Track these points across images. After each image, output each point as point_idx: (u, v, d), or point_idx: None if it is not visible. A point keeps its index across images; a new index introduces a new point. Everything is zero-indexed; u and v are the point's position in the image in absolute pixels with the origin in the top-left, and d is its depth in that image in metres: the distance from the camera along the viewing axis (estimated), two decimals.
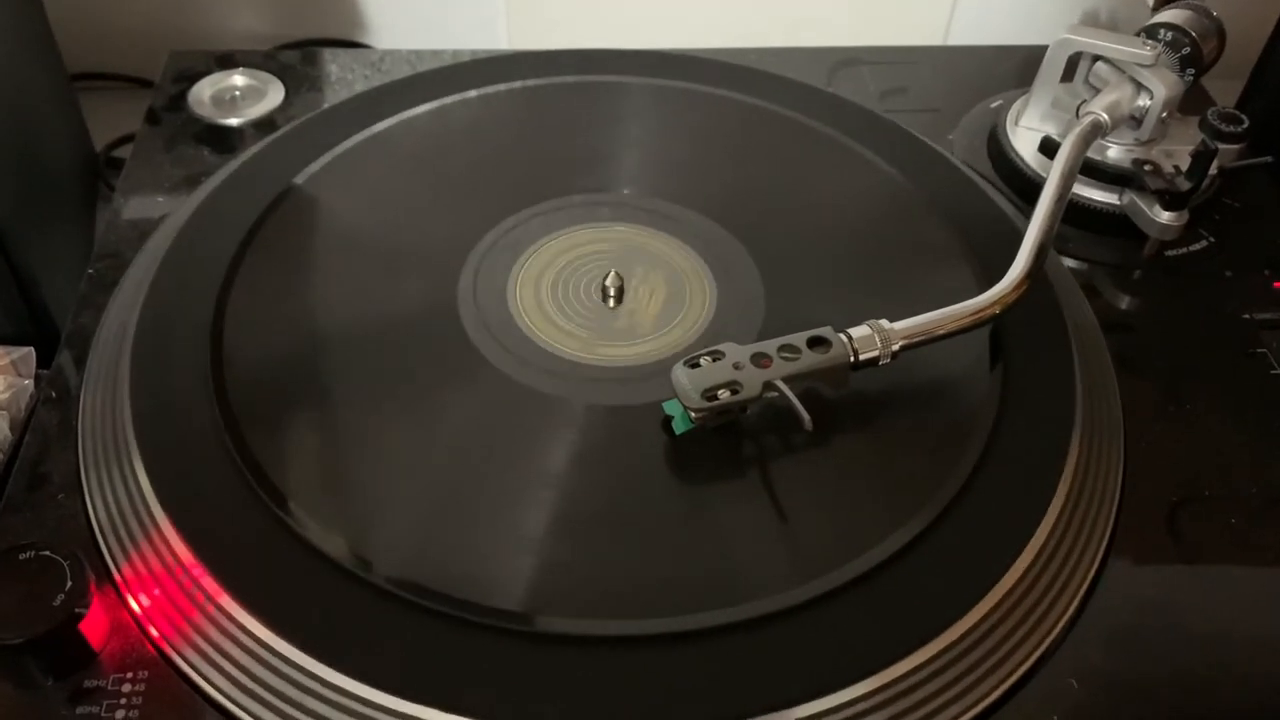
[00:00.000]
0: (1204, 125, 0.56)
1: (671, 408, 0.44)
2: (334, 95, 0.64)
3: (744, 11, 0.77)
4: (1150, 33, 0.57)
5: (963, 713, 0.38)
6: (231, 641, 0.38)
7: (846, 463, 0.44)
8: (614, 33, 0.78)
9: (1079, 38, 0.57)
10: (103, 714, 0.37)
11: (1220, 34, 0.57)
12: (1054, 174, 0.50)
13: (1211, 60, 0.58)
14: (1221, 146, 0.54)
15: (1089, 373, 0.48)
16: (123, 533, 0.41)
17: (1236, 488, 0.46)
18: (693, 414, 0.42)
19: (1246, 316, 0.53)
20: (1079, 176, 0.54)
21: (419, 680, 0.37)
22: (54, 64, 0.66)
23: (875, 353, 0.44)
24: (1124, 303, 0.54)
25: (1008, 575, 0.40)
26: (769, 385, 0.42)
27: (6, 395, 0.48)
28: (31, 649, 0.37)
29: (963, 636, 0.39)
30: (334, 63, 0.67)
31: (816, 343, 0.44)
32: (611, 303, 0.50)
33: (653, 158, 0.59)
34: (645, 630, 0.38)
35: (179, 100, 0.63)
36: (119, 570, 0.41)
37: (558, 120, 0.60)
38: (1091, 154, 0.55)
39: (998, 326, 0.48)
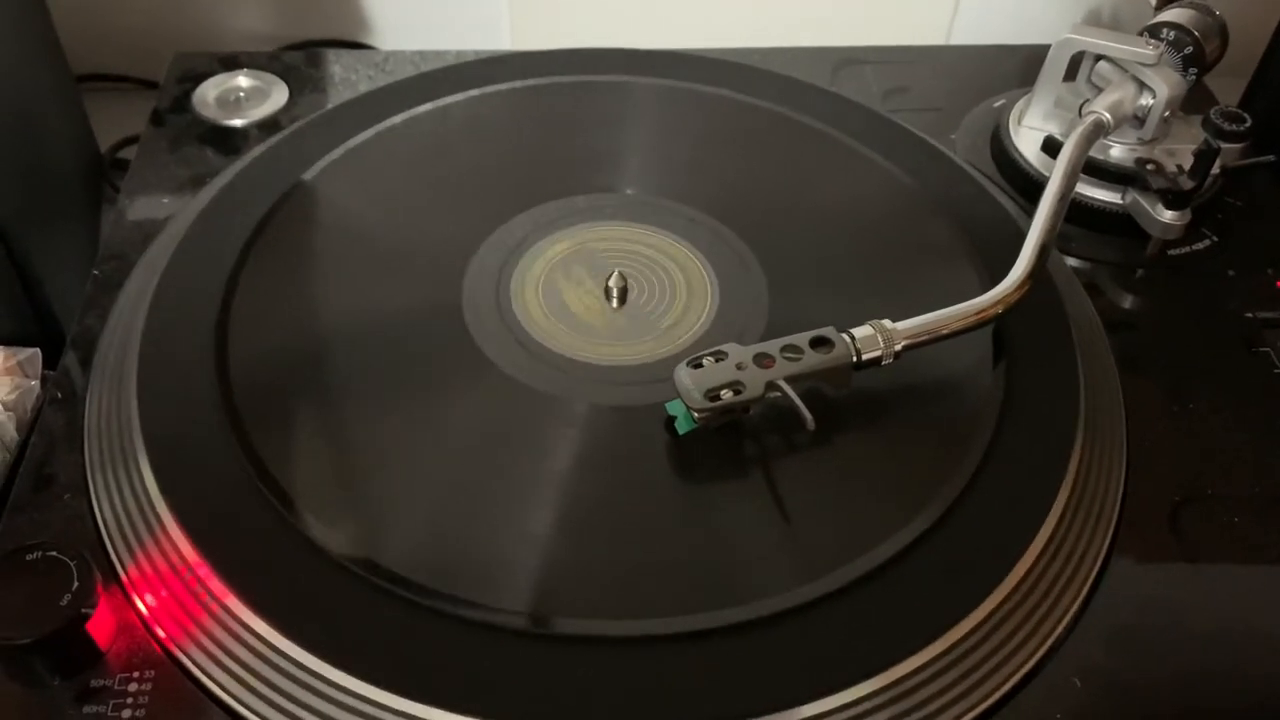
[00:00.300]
0: (1207, 124, 0.56)
1: (674, 408, 0.44)
2: (338, 96, 0.64)
3: (746, 11, 0.77)
4: (1153, 32, 0.57)
5: (966, 711, 0.38)
6: (237, 641, 0.38)
7: (849, 463, 0.44)
8: (616, 33, 0.78)
9: (1081, 37, 0.57)
10: (109, 713, 0.38)
11: (1223, 33, 0.57)
12: (1056, 173, 0.50)
13: (1214, 59, 0.58)
14: (1224, 145, 0.54)
15: (1091, 372, 0.48)
16: (129, 533, 0.41)
17: (1239, 487, 0.46)
18: (695, 414, 0.43)
19: (1249, 315, 0.53)
20: (1082, 176, 0.54)
21: (424, 680, 0.37)
22: (59, 65, 0.66)
23: (878, 353, 0.44)
24: (1127, 302, 0.54)
25: (1011, 574, 0.41)
26: (772, 385, 0.43)
27: (13, 397, 0.48)
28: (38, 649, 0.37)
29: (966, 636, 0.39)
30: (338, 63, 0.67)
31: (819, 343, 0.44)
32: (615, 303, 0.50)
33: (656, 157, 0.59)
34: (649, 630, 0.38)
35: (183, 101, 0.63)
36: (125, 570, 0.41)
37: (561, 120, 0.60)
38: (1094, 153, 0.55)
39: (1000, 326, 0.48)
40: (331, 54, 0.68)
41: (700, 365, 0.43)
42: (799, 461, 0.44)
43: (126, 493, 0.42)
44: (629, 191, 0.56)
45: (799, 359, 0.43)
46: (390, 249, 0.52)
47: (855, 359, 0.44)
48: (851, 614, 0.39)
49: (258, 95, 0.64)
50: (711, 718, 0.37)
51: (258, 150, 0.57)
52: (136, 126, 0.63)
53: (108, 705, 0.38)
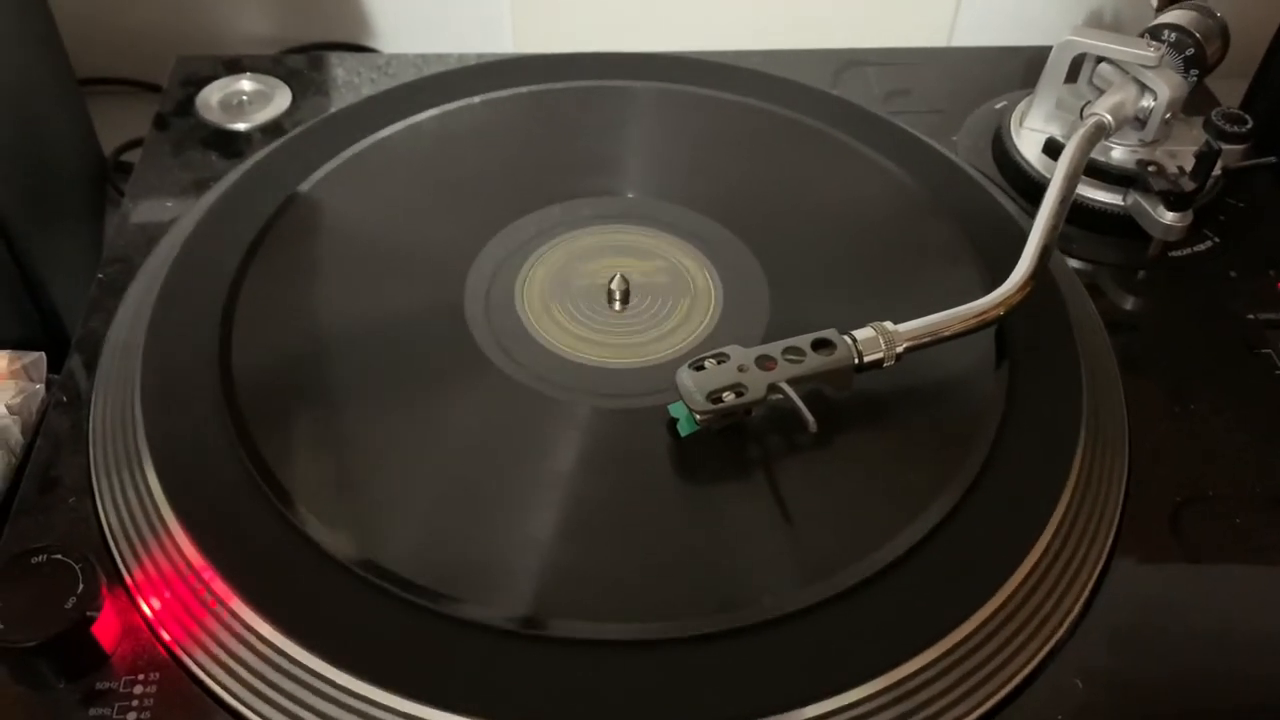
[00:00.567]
0: (1208, 126, 0.56)
1: (676, 410, 0.44)
2: (341, 99, 0.64)
3: (748, 14, 0.77)
4: (1154, 34, 0.57)
5: (968, 712, 0.38)
6: (241, 644, 0.38)
7: (852, 465, 0.44)
8: (618, 36, 0.78)
9: (1082, 39, 0.57)
10: (114, 715, 0.38)
11: (1224, 35, 0.57)
12: (1058, 175, 0.50)
13: (1215, 61, 0.58)
14: (1225, 147, 0.54)
15: (1093, 373, 0.48)
16: (134, 536, 0.42)
17: (1241, 487, 0.46)
18: (697, 416, 0.43)
19: (1251, 317, 0.53)
20: (1083, 177, 0.54)
21: (426, 682, 0.37)
22: (62, 68, 0.66)
23: (879, 355, 0.44)
24: (1128, 303, 0.54)
25: (1013, 576, 0.41)
26: (773, 387, 0.43)
27: (18, 400, 0.48)
28: (44, 651, 0.37)
29: (968, 637, 0.39)
30: (340, 67, 0.67)
31: (821, 345, 0.44)
32: (617, 305, 0.50)
33: (658, 161, 0.59)
34: (651, 632, 0.38)
35: (187, 105, 0.63)
36: (130, 573, 0.41)
37: (563, 124, 0.60)
38: (1096, 155, 0.55)
39: (1002, 327, 0.48)
40: (334, 57, 0.68)
41: (702, 367, 0.43)
42: (801, 463, 0.44)
43: (131, 496, 0.42)
44: (631, 195, 0.56)
45: (801, 361, 0.44)
46: (393, 252, 0.52)
47: (857, 361, 0.44)
48: (854, 615, 0.39)
49: (261, 99, 0.64)
50: (713, 719, 0.37)
51: (261, 154, 0.57)
52: (140, 130, 0.64)
53: (113, 708, 0.38)
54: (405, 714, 0.37)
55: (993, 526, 0.42)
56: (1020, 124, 0.61)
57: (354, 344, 0.48)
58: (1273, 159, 0.57)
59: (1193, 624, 0.42)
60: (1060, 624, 0.41)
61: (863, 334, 0.44)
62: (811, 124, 0.59)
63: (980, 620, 0.39)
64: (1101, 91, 0.56)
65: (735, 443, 0.44)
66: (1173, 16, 0.58)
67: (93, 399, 0.47)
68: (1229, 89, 0.65)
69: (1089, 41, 0.57)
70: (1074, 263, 0.56)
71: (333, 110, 0.61)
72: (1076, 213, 0.55)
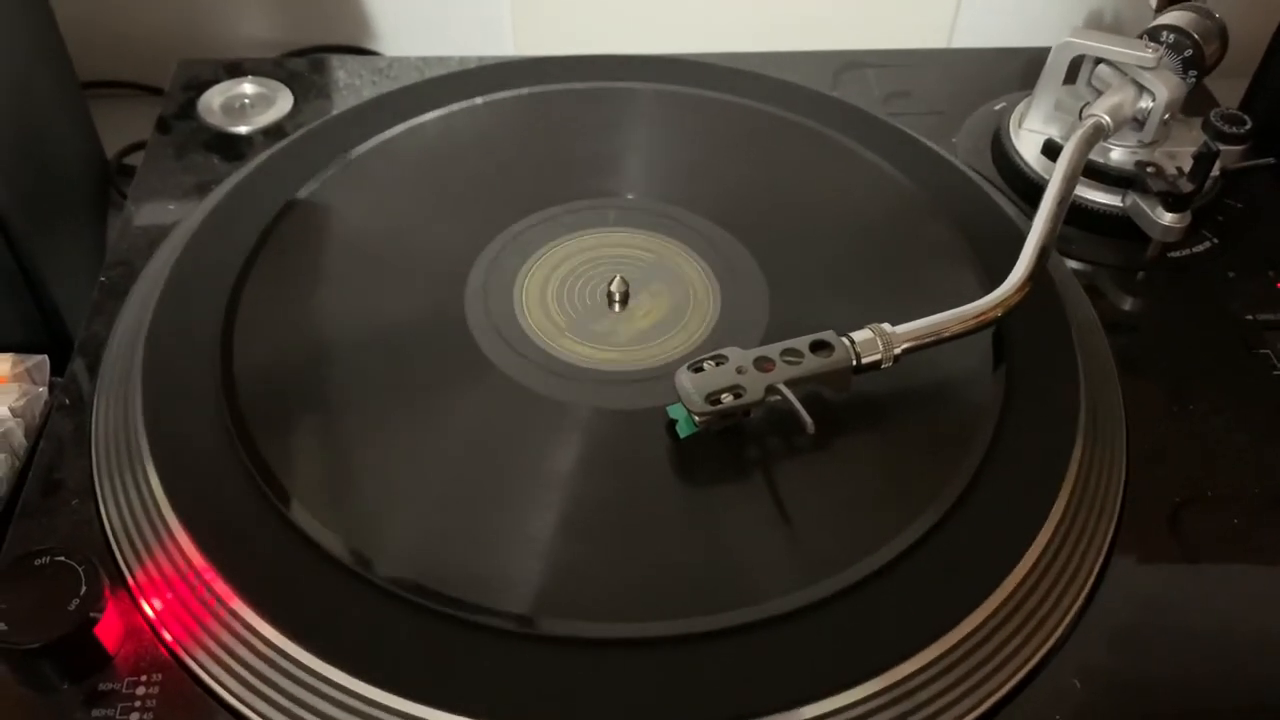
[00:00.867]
0: (1206, 126, 0.56)
1: (676, 411, 0.44)
2: (342, 102, 0.64)
3: (747, 15, 0.78)
4: (1152, 35, 0.57)
5: (967, 712, 0.38)
6: (243, 645, 0.38)
7: (850, 465, 0.44)
8: (618, 38, 0.78)
9: (1081, 40, 0.57)
10: (117, 716, 0.38)
11: (1223, 36, 0.58)
12: (1056, 176, 0.50)
13: (1214, 62, 0.58)
14: (1224, 148, 0.54)
15: (1092, 374, 0.48)
16: (136, 538, 0.42)
17: (1239, 487, 0.46)
18: (696, 417, 0.43)
19: (1249, 317, 0.53)
20: (1082, 178, 0.54)
21: (428, 683, 0.37)
22: (65, 72, 0.67)
23: (877, 356, 0.44)
24: (1127, 304, 0.54)
25: (1012, 575, 0.41)
26: (772, 389, 0.43)
27: (21, 403, 0.49)
28: (47, 653, 0.37)
29: (967, 637, 0.39)
30: (342, 70, 0.67)
31: (819, 347, 0.44)
32: (617, 307, 0.50)
33: (657, 162, 0.59)
34: (650, 632, 0.38)
35: (189, 108, 0.63)
36: (133, 575, 0.41)
37: (563, 125, 0.60)
38: (1094, 156, 0.55)
39: (1001, 328, 0.48)
40: (335, 60, 0.68)
41: (701, 369, 0.43)
42: (800, 464, 0.44)
43: (133, 498, 0.43)
44: (630, 197, 0.56)
45: (799, 363, 0.44)
46: (394, 254, 0.52)
47: (855, 363, 0.44)
48: (853, 615, 0.39)
49: (262, 102, 0.64)
50: (713, 719, 0.37)
51: (263, 157, 0.58)
52: (142, 133, 0.64)
53: (116, 709, 0.38)
54: (406, 714, 0.37)
55: (991, 526, 0.42)
56: (1019, 125, 0.61)
57: (355, 346, 0.48)
58: (1271, 160, 0.57)
59: (1191, 624, 0.42)
60: (1059, 624, 0.41)
61: (861, 336, 0.44)
62: (811, 125, 0.60)
63: (979, 620, 0.40)
64: (1100, 93, 0.56)
65: (734, 444, 0.44)
66: (1171, 18, 0.58)
67: (95, 402, 0.48)
68: (1228, 89, 0.65)
69: (1088, 43, 0.57)
70: (1073, 264, 0.56)
71: (334, 113, 0.61)
72: (1075, 214, 0.56)
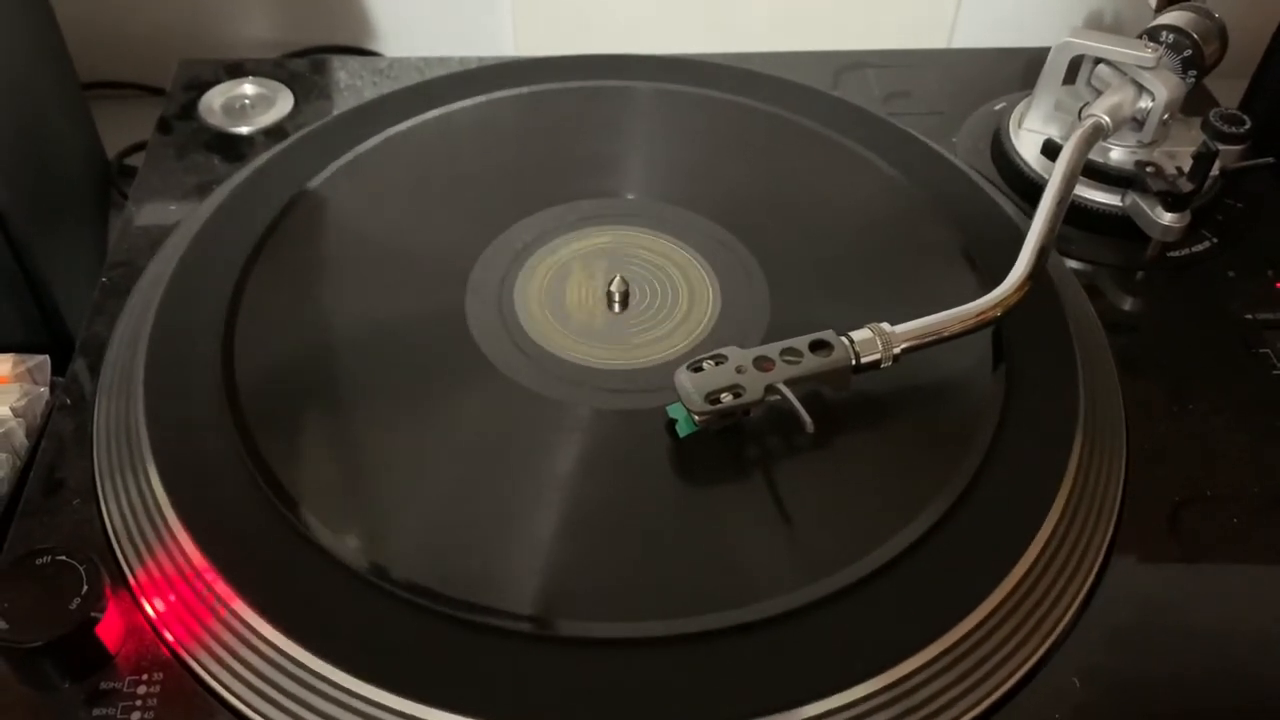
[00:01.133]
0: (1206, 126, 0.56)
1: (675, 411, 0.44)
2: (343, 102, 0.64)
3: (748, 16, 0.78)
4: (1152, 35, 0.57)
5: (966, 711, 0.38)
6: (244, 645, 0.39)
7: (850, 464, 0.44)
8: (619, 38, 0.78)
9: (1081, 40, 0.57)
10: (118, 716, 0.38)
11: (1222, 36, 0.58)
12: (1056, 176, 0.50)
13: (1213, 62, 0.58)
14: (1223, 148, 0.54)
15: (1091, 373, 0.48)
16: (137, 537, 0.42)
17: (1239, 487, 0.46)
18: (696, 417, 0.43)
19: (1249, 317, 0.53)
20: (1081, 178, 0.54)
21: (429, 683, 0.37)
22: (66, 73, 0.67)
23: (877, 356, 0.44)
24: (1126, 303, 0.54)
25: (1011, 575, 0.41)
26: (771, 388, 0.43)
27: (22, 403, 0.49)
28: (48, 652, 0.37)
29: (966, 636, 0.39)
30: (343, 70, 0.67)
31: (818, 346, 0.44)
32: (617, 307, 0.50)
33: (657, 162, 0.59)
34: (650, 632, 0.38)
35: (190, 109, 0.63)
36: (134, 574, 0.41)
37: (564, 125, 0.60)
38: (1094, 156, 0.55)
39: (1000, 328, 0.48)
40: (336, 60, 0.69)
41: (700, 369, 0.43)
42: (799, 464, 0.44)
43: (135, 497, 0.43)
44: (630, 196, 0.56)
45: (798, 362, 0.44)
46: (395, 255, 0.53)
47: (854, 362, 0.44)
48: (852, 614, 0.39)
49: (263, 102, 0.64)
50: (713, 718, 0.37)
51: (263, 157, 0.58)
52: (143, 133, 0.64)
53: (117, 708, 0.38)
54: (407, 714, 0.37)
55: (990, 526, 0.42)
56: (1019, 125, 0.61)
57: (356, 346, 0.48)
58: (1271, 160, 0.57)
59: (1191, 623, 0.42)
60: (1058, 623, 0.41)
61: (860, 335, 0.44)
62: (811, 125, 0.60)
63: (979, 619, 0.40)
64: (1100, 93, 0.56)
65: (734, 443, 0.45)
66: (1171, 18, 0.58)
67: (96, 401, 0.48)
68: (1227, 89, 0.65)
69: (1087, 43, 0.57)
70: (1072, 263, 0.56)
71: (335, 113, 0.61)
72: (1075, 213, 0.56)
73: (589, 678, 0.38)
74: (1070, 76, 0.59)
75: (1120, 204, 0.56)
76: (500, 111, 0.60)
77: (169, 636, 0.40)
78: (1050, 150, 0.57)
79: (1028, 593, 0.41)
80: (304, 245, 0.53)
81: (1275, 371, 0.51)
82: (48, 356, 0.52)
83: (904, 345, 0.45)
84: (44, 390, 0.50)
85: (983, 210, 0.55)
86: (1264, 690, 0.41)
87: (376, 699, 0.37)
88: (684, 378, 0.43)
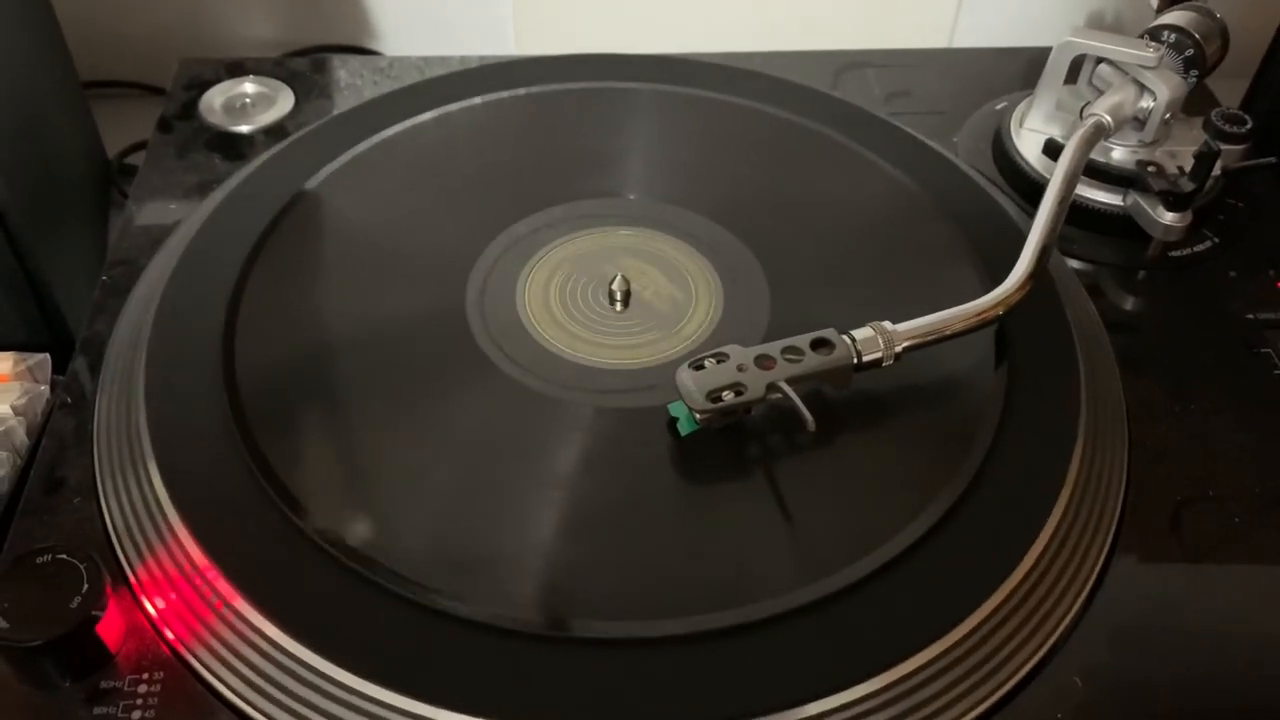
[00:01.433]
0: (1207, 126, 0.56)
1: (677, 409, 0.44)
2: (343, 102, 0.64)
3: (748, 16, 0.78)
4: (1154, 34, 0.57)
5: (968, 711, 0.38)
6: (245, 643, 0.38)
7: (851, 464, 0.44)
8: (619, 38, 0.78)
9: (1082, 40, 0.57)
10: (119, 714, 0.38)
11: (1224, 35, 0.58)
12: (1057, 175, 0.50)
13: (1215, 62, 0.58)
14: (1225, 147, 0.54)
15: (1093, 373, 0.48)
16: (138, 536, 0.42)
17: (1241, 487, 0.46)
18: (697, 415, 0.43)
19: (1250, 317, 0.53)
20: (1083, 178, 0.54)
21: (430, 681, 0.37)
22: (66, 72, 0.67)
23: (878, 354, 0.44)
24: (1128, 303, 0.54)
25: (1013, 575, 0.41)
26: (772, 387, 0.43)
27: (23, 401, 0.49)
28: (49, 650, 0.37)
29: (968, 635, 0.39)
30: (343, 69, 0.67)
31: (820, 345, 0.44)
32: (618, 306, 0.50)
33: (659, 162, 0.59)
34: (651, 631, 0.38)
35: (190, 108, 0.63)
36: (134, 573, 0.41)
37: (565, 125, 0.60)
38: (1095, 155, 0.55)
39: (1002, 327, 0.48)
40: (337, 60, 0.69)
41: (702, 367, 0.43)
42: (801, 462, 0.44)
43: (135, 496, 0.43)
44: (632, 196, 0.56)
45: (800, 360, 0.44)
46: (395, 253, 0.53)
47: (856, 360, 0.44)
48: (853, 614, 0.39)
49: (264, 101, 0.64)
50: (713, 718, 0.37)
51: (264, 156, 0.58)
52: (144, 133, 0.64)
53: (118, 706, 0.38)
54: (408, 712, 0.37)
55: (992, 525, 0.42)
56: (1020, 125, 0.61)
57: (357, 345, 0.48)
58: (1272, 159, 0.57)
59: (1193, 623, 0.42)
60: (1060, 622, 0.41)
61: (862, 334, 0.44)
62: (812, 125, 0.60)
63: (980, 618, 0.40)
64: (1101, 92, 0.56)
65: (735, 442, 0.45)
66: (1172, 17, 0.58)
67: (97, 400, 0.48)
68: (1229, 89, 0.65)
69: (1089, 43, 0.57)
70: (1074, 263, 0.56)
71: (335, 112, 0.61)
72: (1076, 213, 0.56)
73: (589, 677, 0.38)
74: (1072, 76, 0.59)
75: (1122, 203, 0.56)
76: (500, 111, 0.60)
77: (170, 635, 0.40)
78: (1052, 150, 0.57)
79: (1029, 592, 0.41)
80: (304, 244, 0.53)
81: (1276, 371, 0.51)
82: (48, 355, 0.52)
83: (905, 344, 0.45)
84: (44, 389, 0.50)
85: (984, 210, 0.55)
86: (1266, 690, 0.40)
87: (378, 697, 0.37)
88: (685, 376, 0.43)
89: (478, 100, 0.60)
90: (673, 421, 0.45)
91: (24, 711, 0.38)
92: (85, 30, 0.71)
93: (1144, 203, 0.55)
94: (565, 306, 0.50)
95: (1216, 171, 0.55)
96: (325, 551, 0.40)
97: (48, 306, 0.56)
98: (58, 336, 0.57)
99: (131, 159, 0.71)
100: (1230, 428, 0.48)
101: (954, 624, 0.39)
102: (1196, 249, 0.56)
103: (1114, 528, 0.44)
